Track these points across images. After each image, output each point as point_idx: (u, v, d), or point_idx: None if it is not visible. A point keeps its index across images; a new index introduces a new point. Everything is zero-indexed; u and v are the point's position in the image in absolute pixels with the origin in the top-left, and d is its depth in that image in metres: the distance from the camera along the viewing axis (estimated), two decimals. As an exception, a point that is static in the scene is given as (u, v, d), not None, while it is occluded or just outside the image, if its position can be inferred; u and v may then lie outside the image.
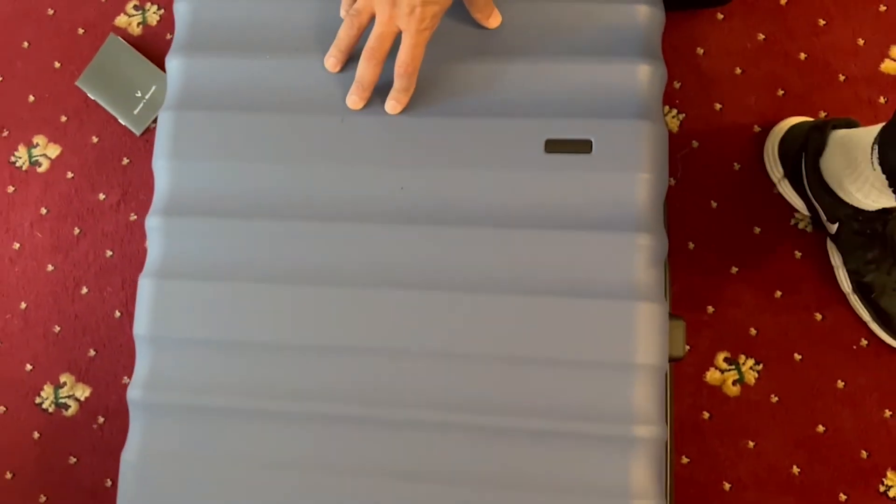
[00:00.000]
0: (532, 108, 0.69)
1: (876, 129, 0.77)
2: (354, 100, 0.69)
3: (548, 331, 0.65)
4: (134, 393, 0.70)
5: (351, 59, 0.70)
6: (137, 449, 0.70)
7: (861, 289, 0.91)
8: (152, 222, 0.72)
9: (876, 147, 0.75)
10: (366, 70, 0.67)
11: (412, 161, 0.69)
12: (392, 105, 0.69)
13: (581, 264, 0.66)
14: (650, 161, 0.67)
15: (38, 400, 1.01)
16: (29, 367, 1.02)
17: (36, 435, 1.00)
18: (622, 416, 0.63)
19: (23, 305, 1.03)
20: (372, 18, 0.67)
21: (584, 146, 0.67)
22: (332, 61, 0.70)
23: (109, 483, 0.98)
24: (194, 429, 0.69)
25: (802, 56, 0.99)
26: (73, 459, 0.99)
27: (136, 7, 1.09)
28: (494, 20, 0.70)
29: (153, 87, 1.06)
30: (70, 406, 1.00)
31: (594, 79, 0.69)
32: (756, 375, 0.95)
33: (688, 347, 0.95)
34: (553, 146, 0.68)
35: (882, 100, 0.97)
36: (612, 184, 0.67)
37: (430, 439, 0.65)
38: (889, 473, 0.92)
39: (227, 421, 0.68)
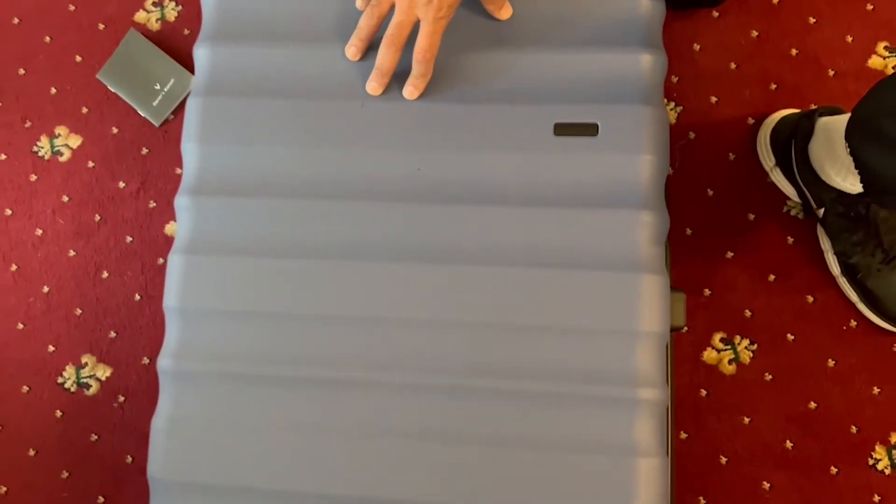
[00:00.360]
0: (541, 94, 0.73)
1: None
2: (374, 86, 0.73)
3: (557, 301, 0.69)
4: (164, 362, 0.74)
5: (370, 48, 0.75)
6: (167, 415, 0.74)
7: (848, 271, 0.96)
8: (181, 202, 0.76)
9: (845, 134, 0.80)
10: (385, 56, 0.72)
11: (428, 144, 0.73)
12: (410, 91, 0.73)
13: (588, 239, 0.70)
14: (652, 143, 0.71)
15: (60, 380, 1.05)
16: (51, 348, 1.05)
17: (58, 413, 1.04)
18: (627, 380, 0.68)
19: (45, 289, 1.07)
20: (391, 8, 0.71)
21: (590, 129, 0.72)
22: (352, 50, 0.74)
23: (130, 459, 1.02)
24: (221, 395, 0.73)
25: (794, 52, 1.04)
26: (94, 437, 1.03)
27: (154, 3, 1.13)
28: (506, 12, 0.74)
29: (171, 80, 1.10)
30: (91, 386, 1.04)
31: (599, 67, 0.73)
32: (751, 355, 0.99)
33: (686, 328, 1.00)
34: (561, 129, 0.72)
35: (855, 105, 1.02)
36: (616, 164, 0.71)
37: (447, 402, 0.69)
38: (877, 447, 0.96)
39: (251, 387, 0.72)
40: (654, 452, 0.67)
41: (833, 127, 0.87)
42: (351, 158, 0.74)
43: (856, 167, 0.76)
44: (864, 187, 0.76)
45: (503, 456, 0.68)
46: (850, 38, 1.04)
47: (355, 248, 0.72)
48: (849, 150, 0.78)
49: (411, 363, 0.70)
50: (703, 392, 0.99)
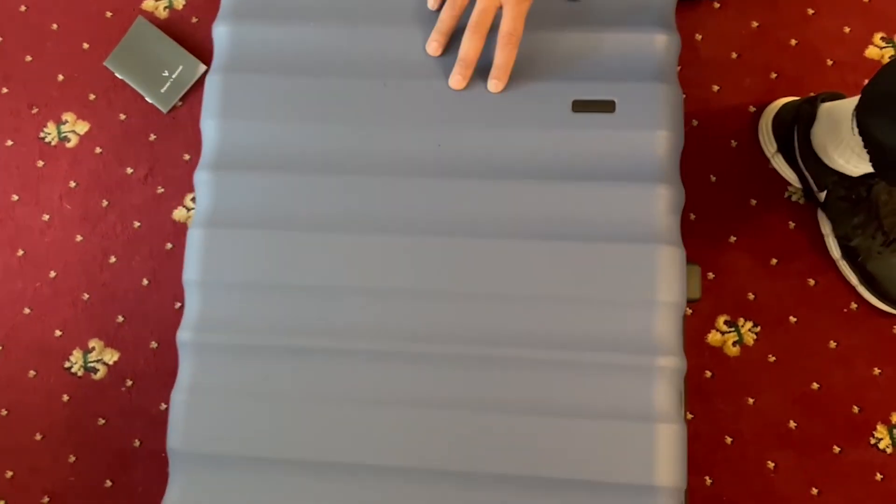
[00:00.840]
0: (559, 72, 0.75)
1: (857, 98, 0.85)
2: (458, 79, 0.73)
3: (577, 272, 0.70)
4: (184, 335, 0.74)
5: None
6: (187, 387, 0.74)
7: (849, 254, 0.98)
8: (201, 176, 0.77)
9: (855, 112, 0.82)
10: (470, 44, 0.71)
11: (449, 120, 0.74)
12: (494, 84, 0.72)
13: (607, 212, 0.71)
14: (668, 119, 0.73)
15: (67, 364, 1.04)
16: (58, 332, 1.05)
17: (65, 398, 1.03)
18: (646, 348, 0.69)
19: (52, 274, 1.06)
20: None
21: (607, 106, 0.74)
22: (434, 45, 0.74)
23: (138, 443, 1.01)
24: (241, 367, 0.73)
25: (793, 42, 1.07)
26: (101, 421, 1.02)
27: (162, -8, 1.14)
28: None
29: (180, 67, 1.10)
30: (98, 370, 1.04)
31: (616, 46, 0.75)
32: (754, 337, 1.01)
33: (690, 310, 1.01)
34: (579, 106, 0.74)
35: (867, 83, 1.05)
36: (633, 140, 0.73)
37: (469, 372, 0.70)
38: (879, 427, 0.98)
39: (272, 359, 0.72)
40: (672, 419, 0.69)
41: (837, 109, 0.90)
42: (371, 134, 0.75)
43: (865, 146, 0.78)
44: (874, 165, 0.78)
45: (525, 423, 0.69)
46: (847, 29, 1.07)
47: (375, 221, 0.73)
48: (857, 129, 0.80)
49: (433, 334, 0.71)
50: (708, 374, 1.00)
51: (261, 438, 0.72)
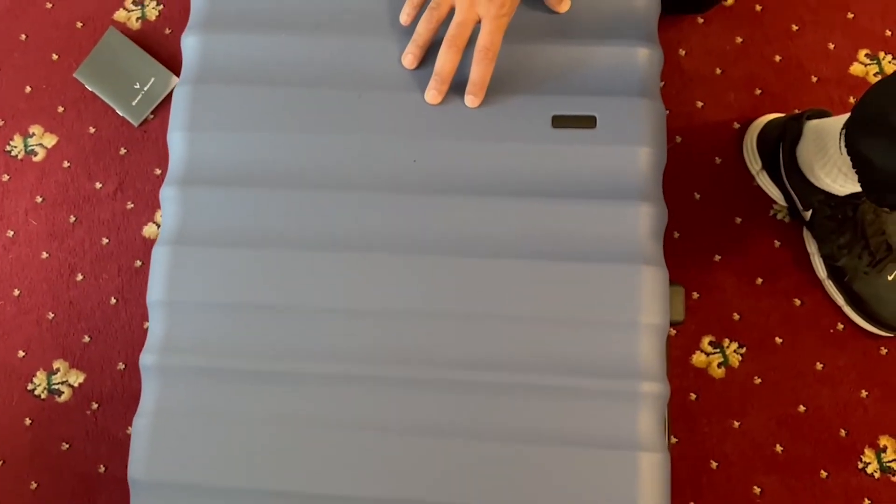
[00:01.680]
0: (539, 86, 0.72)
1: (845, 117, 0.83)
2: (433, 94, 0.70)
3: (556, 293, 0.68)
4: (147, 358, 0.71)
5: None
6: (150, 413, 0.70)
7: (835, 273, 0.97)
8: (167, 192, 0.74)
9: (844, 131, 0.81)
10: (446, 58, 0.69)
11: (425, 134, 0.72)
12: (471, 99, 0.70)
13: (588, 231, 0.69)
14: (650, 135, 0.71)
15: (30, 386, 1.00)
16: (21, 353, 1.01)
17: (28, 421, 0.99)
18: (629, 372, 0.66)
19: (16, 292, 1.03)
20: (451, 11, 0.69)
21: (588, 122, 0.71)
22: (409, 58, 0.71)
23: (103, 469, 0.98)
24: (208, 391, 0.70)
25: (777, 58, 1.05)
26: (65, 445, 0.98)
27: (135, 2, 1.11)
28: (565, 5, 0.72)
29: (152, 80, 1.07)
30: (63, 392, 1.00)
31: (597, 60, 0.73)
32: (740, 358, 0.99)
33: (674, 331, 0.99)
34: (559, 122, 0.72)
35: (851, 100, 1.04)
36: (615, 156, 0.71)
37: (443, 397, 0.67)
38: (867, 450, 0.96)
39: (239, 383, 0.69)
40: (655, 447, 0.66)
41: (824, 127, 0.88)
42: (345, 148, 0.72)
43: (855, 166, 0.76)
44: (863, 185, 0.76)
45: (502, 451, 0.66)
46: (832, 46, 1.05)
47: (348, 239, 0.70)
48: (846, 149, 0.78)
49: (406, 357, 0.68)
50: (693, 396, 0.98)
51: (229, 467, 0.68)
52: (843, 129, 0.81)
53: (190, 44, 0.77)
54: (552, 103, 0.72)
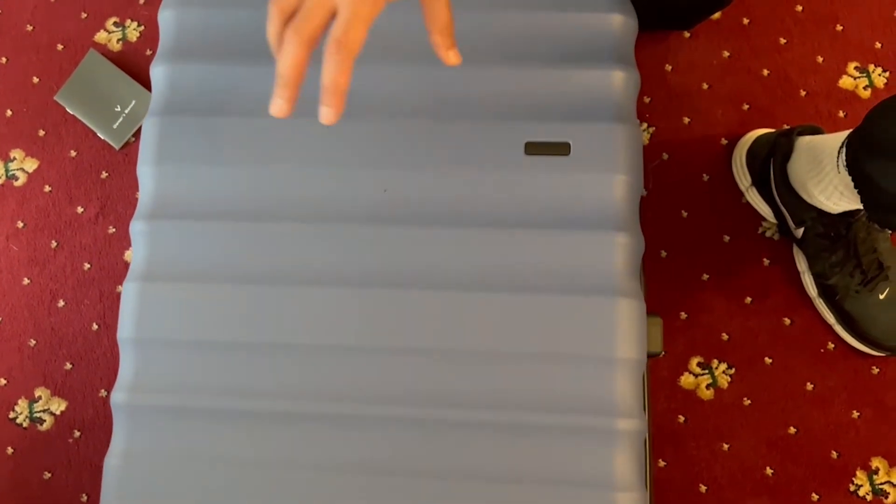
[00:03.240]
0: (511, 112, 0.71)
1: (841, 135, 0.81)
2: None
3: (530, 326, 0.66)
4: (118, 396, 0.70)
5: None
6: (121, 452, 0.69)
7: (826, 292, 0.95)
8: (137, 227, 0.72)
9: (843, 150, 0.79)
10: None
11: (395, 163, 0.71)
12: (324, 112, 0.53)
13: (560, 262, 0.67)
14: (626, 162, 0.69)
15: (11, 415, 1.00)
16: (2, 381, 1.00)
17: (9, 450, 0.99)
18: (604, 409, 0.65)
19: (-3, 319, 1.02)
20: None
21: (562, 148, 0.70)
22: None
23: (85, 498, 0.97)
24: (179, 430, 0.69)
25: (765, 72, 1.03)
26: (47, 475, 0.98)
27: (116, 24, 1.10)
28: (454, 57, 0.57)
29: (133, 102, 1.06)
30: (45, 420, 0.99)
31: (571, 84, 0.71)
32: (729, 379, 0.97)
33: (663, 352, 0.97)
34: (532, 149, 0.70)
35: (841, 113, 1.02)
36: (589, 184, 0.69)
37: (416, 435, 0.66)
38: (858, 473, 0.94)
39: (211, 421, 0.68)
40: (632, 486, 0.64)
41: (818, 145, 0.86)
42: (314, 179, 0.71)
43: (857, 186, 0.74)
44: (867, 206, 0.74)
45: (475, 490, 0.65)
46: (820, 59, 1.03)
47: (319, 273, 0.69)
48: (847, 168, 0.76)
49: (378, 394, 0.67)
50: (681, 418, 0.96)
51: (198, 506, 0.67)
52: (841, 146, 0.79)
53: (158, 74, 0.75)
54: (525, 129, 0.70)
